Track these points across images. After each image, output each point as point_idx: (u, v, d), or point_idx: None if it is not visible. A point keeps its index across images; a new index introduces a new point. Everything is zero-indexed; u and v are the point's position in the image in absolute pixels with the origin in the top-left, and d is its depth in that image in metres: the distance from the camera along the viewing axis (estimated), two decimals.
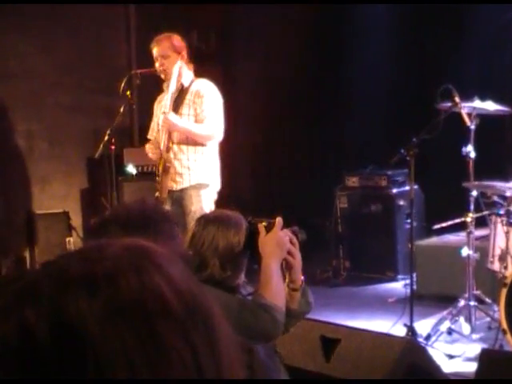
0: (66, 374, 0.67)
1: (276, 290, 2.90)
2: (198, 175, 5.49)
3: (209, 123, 5.47)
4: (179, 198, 5.49)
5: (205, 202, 5.41)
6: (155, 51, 5.60)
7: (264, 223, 3.03)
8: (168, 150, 5.52)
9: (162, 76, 5.64)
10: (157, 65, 5.60)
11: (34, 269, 0.76)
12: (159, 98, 5.83)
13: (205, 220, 3.10)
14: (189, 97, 5.54)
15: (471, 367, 4.47)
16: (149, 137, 5.85)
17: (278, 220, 3.02)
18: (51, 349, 0.67)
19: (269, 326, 2.85)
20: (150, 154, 5.71)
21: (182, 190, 5.49)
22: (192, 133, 5.46)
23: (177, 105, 5.56)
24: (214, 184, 5.56)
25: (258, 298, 2.88)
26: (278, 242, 2.98)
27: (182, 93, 5.58)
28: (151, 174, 6.38)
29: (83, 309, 0.69)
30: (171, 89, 5.54)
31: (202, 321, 0.75)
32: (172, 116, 5.47)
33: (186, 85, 5.58)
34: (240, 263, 3.05)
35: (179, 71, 5.52)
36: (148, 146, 5.74)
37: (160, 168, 5.54)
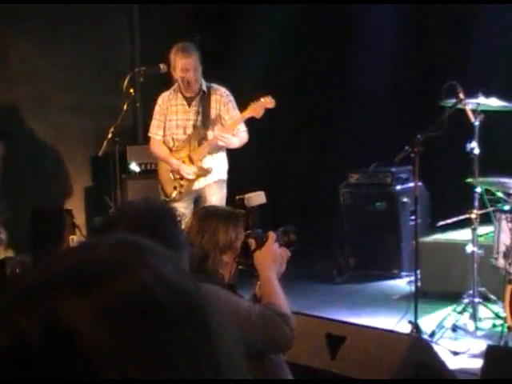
0: (58, 376, 0.67)
1: (283, 300, 2.96)
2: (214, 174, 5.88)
3: (241, 131, 5.85)
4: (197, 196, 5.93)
5: (218, 196, 5.81)
6: (187, 62, 5.70)
7: (255, 239, 3.09)
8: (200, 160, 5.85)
9: (187, 85, 5.76)
10: (190, 75, 5.71)
11: (25, 273, 0.75)
12: (169, 97, 5.82)
13: (203, 213, 3.11)
14: (214, 110, 5.79)
15: (476, 364, 4.47)
16: (154, 136, 5.89)
17: (271, 234, 3.10)
18: (43, 353, 0.67)
19: (289, 336, 2.85)
20: (157, 151, 5.93)
21: (198, 189, 5.90)
22: (235, 147, 5.86)
23: (205, 119, 5.79)
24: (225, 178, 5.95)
25: (273, 308, 2.90)
26: (274, 257, 3.06)
27: (205, 106, 5.78)
28: (155, 172, 6.37)
29: (73, 311, 0.69)
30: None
31: (197, 319, 0.74)
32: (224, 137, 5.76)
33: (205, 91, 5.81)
34: (234, 260, 3.07)
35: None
36: (156, 148, 5.88)
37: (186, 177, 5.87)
